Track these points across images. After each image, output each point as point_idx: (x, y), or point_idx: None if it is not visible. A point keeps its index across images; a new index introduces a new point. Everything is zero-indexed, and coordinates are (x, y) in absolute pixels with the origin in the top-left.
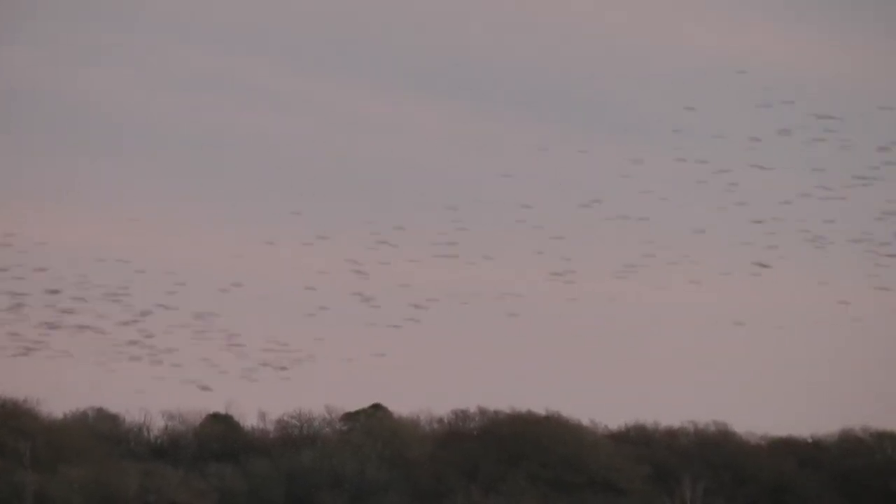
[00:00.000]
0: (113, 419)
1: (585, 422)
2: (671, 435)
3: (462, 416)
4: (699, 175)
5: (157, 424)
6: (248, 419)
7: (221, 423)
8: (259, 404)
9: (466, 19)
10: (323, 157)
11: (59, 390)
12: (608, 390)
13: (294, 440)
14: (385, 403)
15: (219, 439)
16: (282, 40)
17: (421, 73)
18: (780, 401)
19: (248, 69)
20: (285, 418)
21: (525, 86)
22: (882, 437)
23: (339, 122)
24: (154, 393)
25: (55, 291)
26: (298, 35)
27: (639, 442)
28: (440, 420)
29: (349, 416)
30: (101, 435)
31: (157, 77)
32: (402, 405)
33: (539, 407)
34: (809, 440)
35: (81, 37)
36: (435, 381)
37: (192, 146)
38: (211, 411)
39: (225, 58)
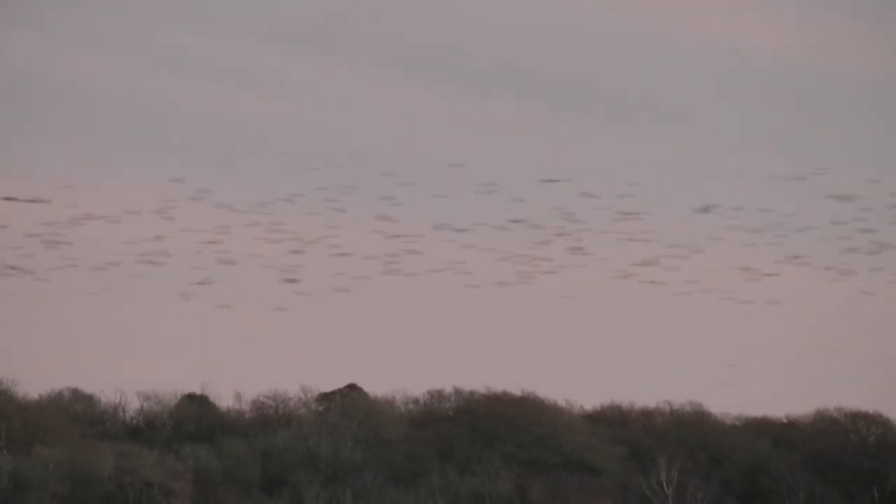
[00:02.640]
0: (88, 400)
1: (561, 402)
2: (647, 415)
3: (437, 396)
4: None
5: (133, 405)
6: (224, 400)
7: (197, 404)
8: (235, 385)
9: (466, 5)
10: (320, 141)
11: None
12: (584, 371)
13: (269, 420)
14: (360, 384)
15: (194, 420)
16: (280, 25)
17: (420, 56)
18: (754, 382)
19: (245, 55)
20: (261, 399)
21: (525, 71)
22: (856, 418)
23: (340, 106)
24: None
25: None
26: (296, 20)
27: (614, 422)
28: (415, 400)
29: (325, 397)
30: (76, 416)
31: (156, 62)
32: (378, 386)
33: (514, 387)
34: (784, 420)
35: (76, 20)
36: (410, 361)
37: (188, 132)
38: (186, 392)
39: (222, 43)
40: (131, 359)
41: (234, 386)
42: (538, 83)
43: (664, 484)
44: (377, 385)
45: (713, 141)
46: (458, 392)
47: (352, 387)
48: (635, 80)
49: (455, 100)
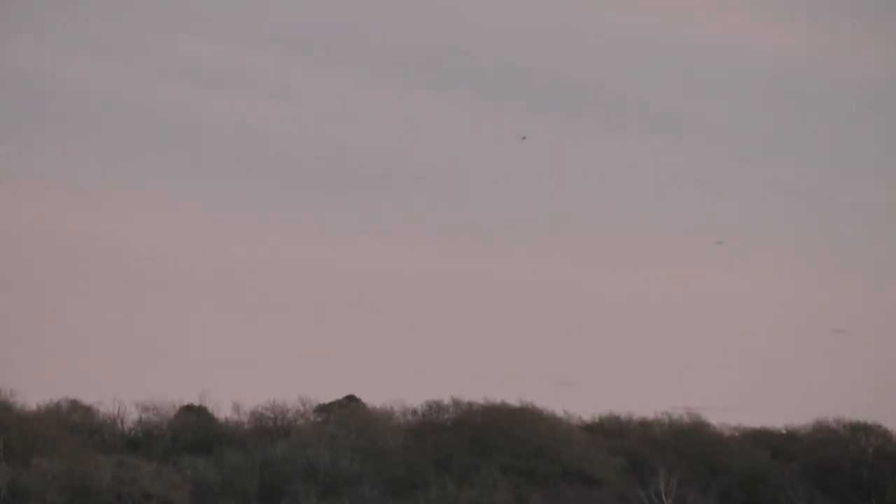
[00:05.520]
0: (87, 410)
1: (559, 413)
2: (645, 426)
3: (436, 407)
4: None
5: (131, 416)
6: (223, 411)
7: (195, 415)
8: (233, 396)
9: (467, 8)
10: (320, 146)
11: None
12: (582, 382)
13: (268, 431)
14: (359, 395)
15: (193, 431)
16: (279, 28)
17: (421, 61)
18: (754, 392)
19: (246, 58)
20: (259, 410)
21: (525, 71)
22: (856, 429)
23: (338, 111)
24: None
25: None
26: (295, 23)
27: (613, 433)
28: (414, 411)
29: (323, 408)
30: (74, 426)
31: (156, 67)
32: (376, 397)
33: (513, 398)
34: (783, 431)
35: (79, 25)
36: (409, 372)
37: (190, 136)
38: (185, 403)
39: (222, 47)
40: (130, 369)
41: (232, 397)
42: (538, 83)
43: (663, 494)
44: (375, 396)
45: (713, 141)
46: (456, 403)
47: (350, 398)
48: (635, 80)
49: (454, 100)
